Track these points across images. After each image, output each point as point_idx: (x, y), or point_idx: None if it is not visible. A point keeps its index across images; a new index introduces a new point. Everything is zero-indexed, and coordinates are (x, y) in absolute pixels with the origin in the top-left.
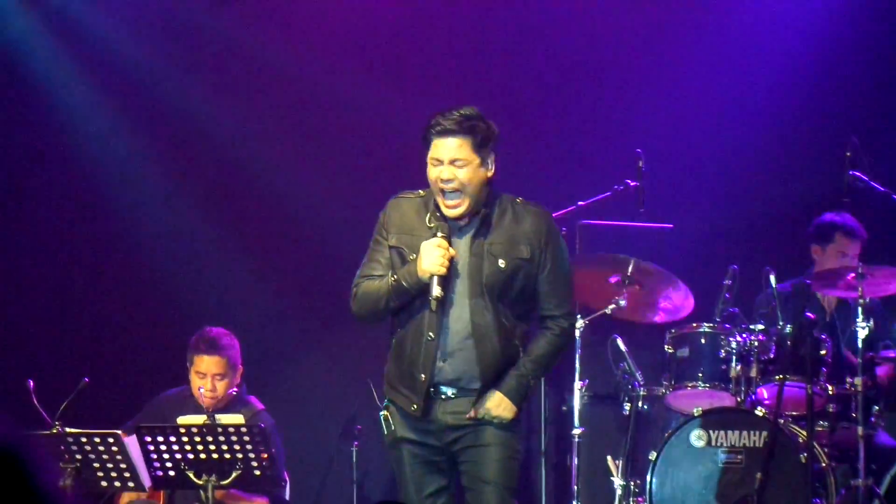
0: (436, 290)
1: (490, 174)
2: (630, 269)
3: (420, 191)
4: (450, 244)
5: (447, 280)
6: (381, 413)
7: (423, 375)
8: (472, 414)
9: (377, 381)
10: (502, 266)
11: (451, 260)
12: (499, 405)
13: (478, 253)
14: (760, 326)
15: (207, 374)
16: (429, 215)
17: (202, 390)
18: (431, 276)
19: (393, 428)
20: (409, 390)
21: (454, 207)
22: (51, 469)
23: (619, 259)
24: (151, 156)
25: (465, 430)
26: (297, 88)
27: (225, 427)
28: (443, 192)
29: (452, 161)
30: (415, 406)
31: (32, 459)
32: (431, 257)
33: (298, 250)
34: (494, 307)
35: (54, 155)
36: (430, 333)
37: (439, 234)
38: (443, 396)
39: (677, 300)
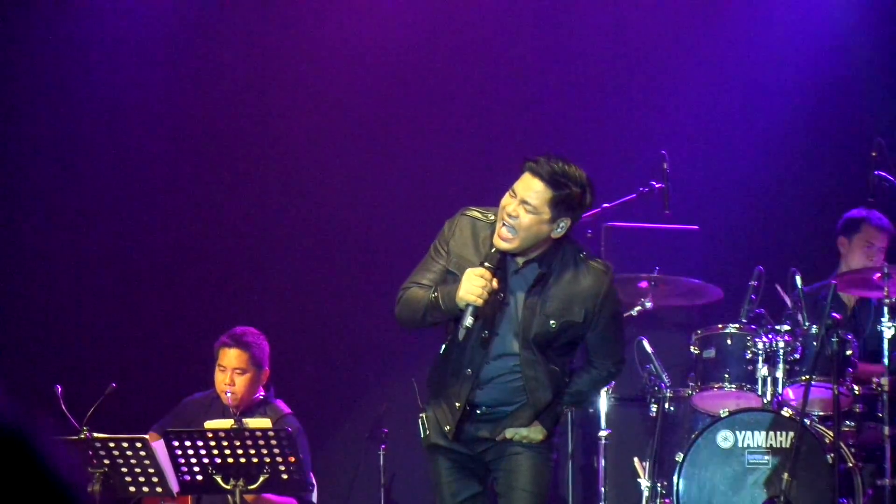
0: (467, 320)
1: (555, 236)
2: (647, 299)
3: (491, 214)
4: (504, 280)
5: (492, 318)
6: (421, 415)
7: (457, 404)
8: (503, 436)
9: (419, 380)
10: (553, 326)
11: (493, 294)
12: (531, 429)
13: (531, 307)
14: (786, 327)
15: (228, 368)
16: (491, 251)
17: (228, 393)
18: (467, 304)
19: (428, 433)
20: (448, 410)
21: (502, 240)
22: (57, 448)
23: (641, 278)
24: (182, 159)
25: (496, 441)
26: (328, 89)
27: (252, 431)
28: (502, 219)
29: (523, 201)
30: (448, 427)
31: (38, 441)
32: (471, 286)
33: (329, 254)
34: (544, 357)
35: (81, 159)
36: (469, 370)
37: (486, 263)
38: (478, 411)
39: (703, 292)
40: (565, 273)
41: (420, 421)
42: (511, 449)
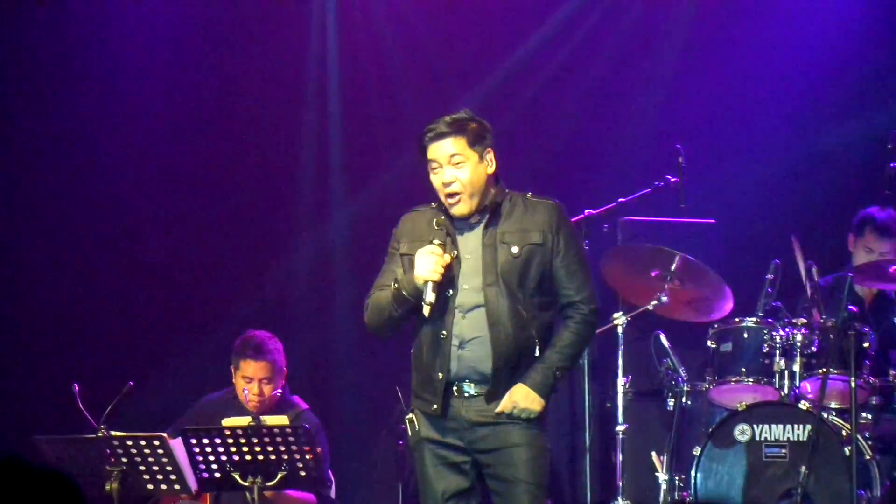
0: (429, 297)
1: (491, 170)
2: (675, 264)
3: (432, 203)
4: (455, 244)
5: (454, 277)
6: (407, 416)
7: (439, 374)
8: (500, 409)
9: (406, 388)
10: (515, 252)
11: (458, 259)
12: (526, 398)
13: (490, 243)
14: (803, 320)
15: (255, 379)
16: (436, 220)
17: (246, 392)
18: (426, 282)
19: (417, 429)
20: (430, 393)
21: (458, 206)
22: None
23: (664, 252)
24: (196, 158)
25: (489, 427)
26: (334, 90)
27: (270, 428)
28: (446, 195)
29: (450, 161)
30: (435, 406)
31: None
32: (425, 264)
33: (343, 249)
34: (511, 295)
35: (95, 159)
36: (444, 332)
37: (435, 241)
38: (466, 395)
39: (717, 301)
40: (516, 208)
41: (408, 422)
42: (505, 441)
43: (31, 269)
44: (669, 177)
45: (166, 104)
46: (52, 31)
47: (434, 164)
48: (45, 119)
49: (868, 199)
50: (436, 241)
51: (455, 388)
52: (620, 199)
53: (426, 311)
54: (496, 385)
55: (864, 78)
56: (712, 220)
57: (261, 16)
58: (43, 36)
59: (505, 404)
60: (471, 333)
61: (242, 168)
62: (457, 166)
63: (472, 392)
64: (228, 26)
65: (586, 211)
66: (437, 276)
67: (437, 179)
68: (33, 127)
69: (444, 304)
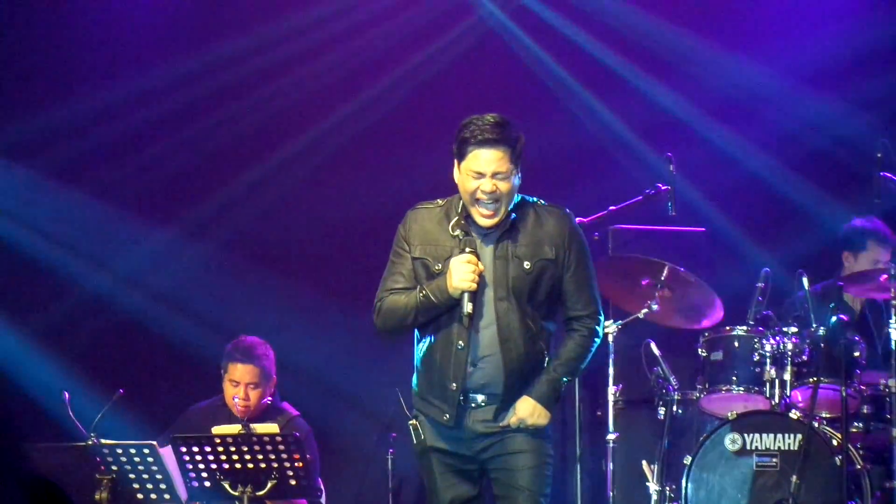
0: (467, 307)
1: (519, 181)
2: (664, 274)
3: (438, 200)
4: (476, 254)
5: (476, 291)
6: (410, 422)
7: (454, 385)
8: (505, 423)
9: (405, 390)
10: (527, 268)
11: (480, 274)
12: (533, 413)
13: (503, 256)
14: (794, 329)
15: (241, 383)
16: (451, 224)
17: (236, 399)
18: (462, 292)
19: (423, 437)
20: (441, 401)
21: (491, 217)
22: None
23: (653, 263)
24: (186, 162)
25: (495, 437)
26: (324, 97)
27: (260, 437)
28: (478, 201)
29: (495, 174)
30: (447, 416)
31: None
32: (461, 273)
33: (336, 258)
34: (521, 309)
35: (88, 161)
36: (461, 342)
37: (467, 249)
38: (473, 405)
39: (707, 309)
40: (527, 220)
41: (411, 428)
42: (510, 447)
43: (19, 275)
44: (660, 185)
45: (163, 102)
46: (51, 22)
47: (475, 174)
48: (42, 113)
49: (858, 208)
50: (468, 249)
51: (462, 398)
52: (611, 208)
53: (465, 321)
54: (506, 399)
55: (852, 87)
56: (702, 229)
57: (261, 10)
58: (41, 26)
59: (512, 420)
60: (484, 351)
61: (235, 168)
62: (501, 179)
63: (480, 402)
64: (227, 22)
65: (577, 219)
66: (473, 286)
67: (472, 185)
68: (29, 120)
69: (458, 316)
